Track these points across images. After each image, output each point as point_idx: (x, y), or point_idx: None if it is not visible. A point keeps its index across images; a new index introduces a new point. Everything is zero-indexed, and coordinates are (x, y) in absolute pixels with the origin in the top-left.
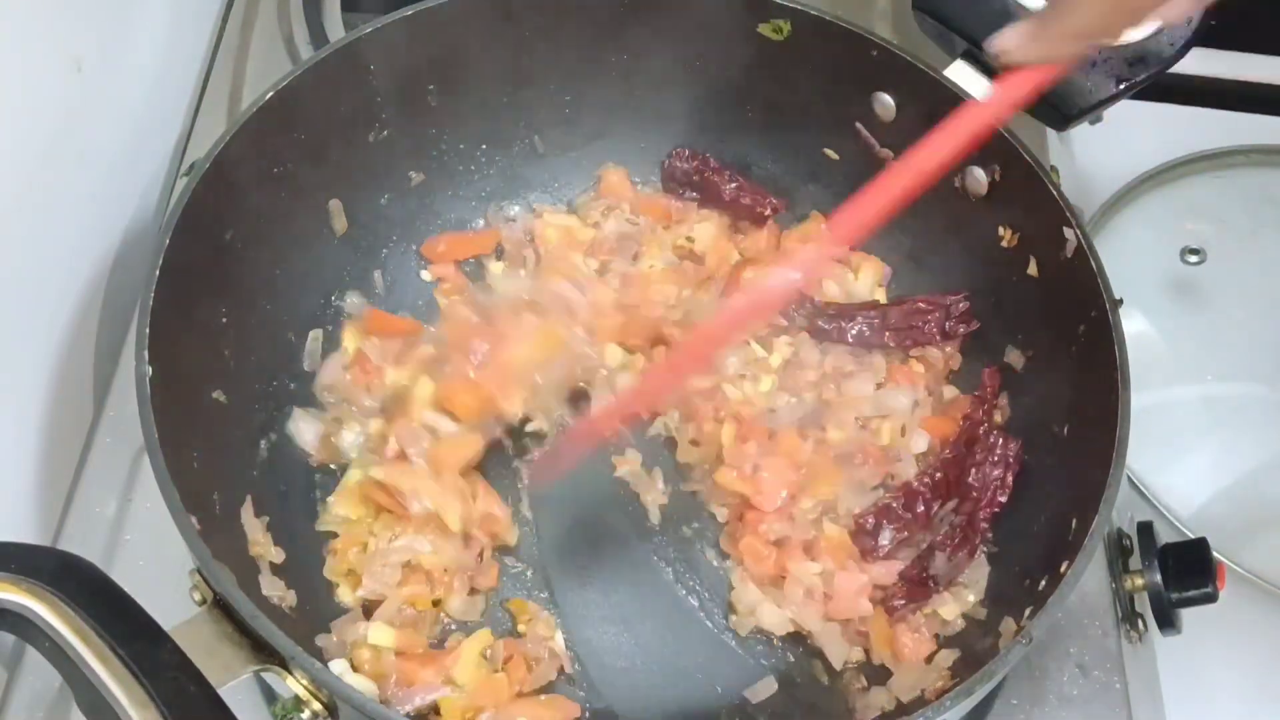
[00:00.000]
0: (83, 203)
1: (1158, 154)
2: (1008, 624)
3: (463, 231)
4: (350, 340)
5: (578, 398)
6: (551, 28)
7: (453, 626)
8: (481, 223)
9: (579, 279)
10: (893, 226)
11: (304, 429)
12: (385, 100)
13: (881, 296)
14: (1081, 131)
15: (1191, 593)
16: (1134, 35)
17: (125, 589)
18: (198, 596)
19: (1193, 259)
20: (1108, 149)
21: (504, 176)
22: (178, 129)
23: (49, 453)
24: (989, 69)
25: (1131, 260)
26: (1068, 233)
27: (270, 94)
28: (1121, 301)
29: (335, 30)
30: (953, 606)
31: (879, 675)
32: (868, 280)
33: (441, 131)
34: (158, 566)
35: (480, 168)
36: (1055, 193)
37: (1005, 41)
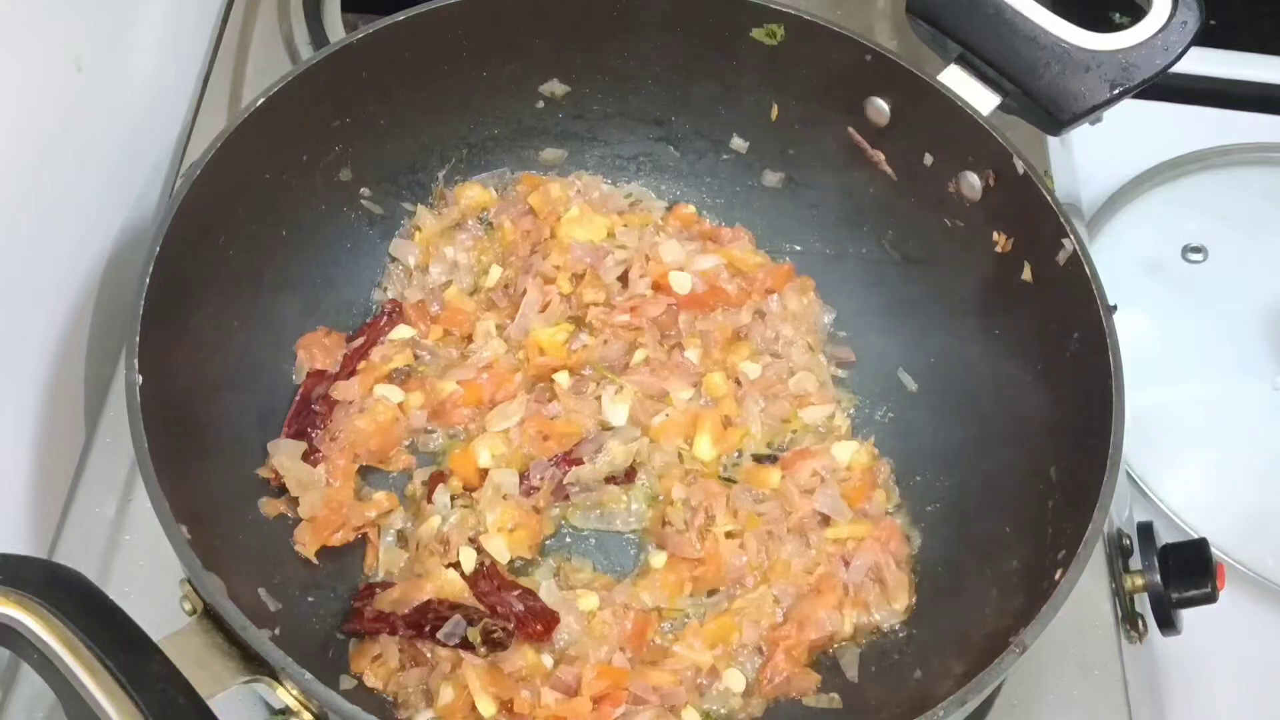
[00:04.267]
0: (83, 202)
1: (1158, 153)
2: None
3: None
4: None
5: None
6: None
7: None
8: None
9: None
10: (886, 230)
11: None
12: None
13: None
14: (1081, 131)
15: (1191, 593)
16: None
17: (124, 589)
18: (188, 606)
19: (1194, 257)
20: (1108, 149)
21: None
22: (178, 129)
23: (47, 453)
24: (983, 74)
25: (1132, 259)
26: (1063, 240)
27: (263, 100)
28: (1115, 308)
29: (335, 31)
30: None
31: None
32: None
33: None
34: (157, 566)
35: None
36: (1050, 199)
37: None
